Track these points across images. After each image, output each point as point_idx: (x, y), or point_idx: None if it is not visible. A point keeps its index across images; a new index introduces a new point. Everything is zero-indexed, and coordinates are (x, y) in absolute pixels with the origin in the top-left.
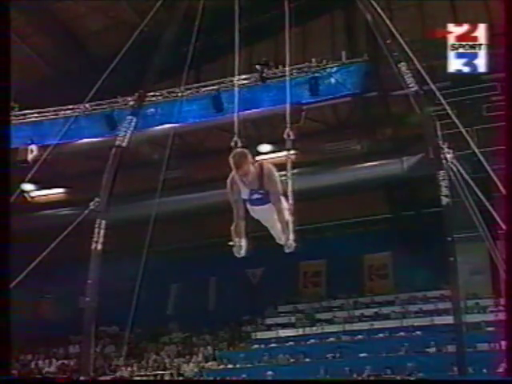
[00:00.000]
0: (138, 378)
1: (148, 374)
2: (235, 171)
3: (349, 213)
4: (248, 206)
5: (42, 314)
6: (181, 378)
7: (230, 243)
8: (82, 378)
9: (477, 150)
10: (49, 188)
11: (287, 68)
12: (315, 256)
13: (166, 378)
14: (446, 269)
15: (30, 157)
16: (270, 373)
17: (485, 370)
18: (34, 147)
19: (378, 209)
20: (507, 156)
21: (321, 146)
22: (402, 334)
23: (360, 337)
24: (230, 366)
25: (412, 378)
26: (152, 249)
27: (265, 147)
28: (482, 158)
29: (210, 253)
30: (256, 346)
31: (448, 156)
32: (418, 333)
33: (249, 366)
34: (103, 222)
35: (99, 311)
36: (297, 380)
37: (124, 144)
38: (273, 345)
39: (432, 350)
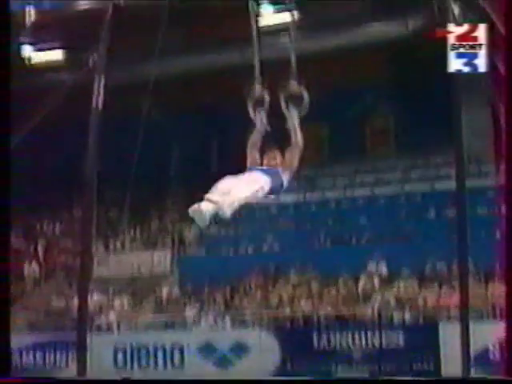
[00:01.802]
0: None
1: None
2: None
3: (350, 75)
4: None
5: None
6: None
7: None
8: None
9: None
10: (48, 50)
11: None
12: (315, 118)
13: (168, 240)
14: (449, 132)
15: (27, 20)
16: (270, 237)
17: (483, 234)
18: (31, 9)
19: (380, 71)
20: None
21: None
22: (402, 199)
23: (360, 202)
24: (230, 230)
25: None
26: (153, 111)
27: (267, 7)
28: None
29: (212, 114)
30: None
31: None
32: (418, 198)
33: (249, 230)
34: (102, 78)
35: (100, 174)
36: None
37: (121, 2)
38: (273, 210)
39: (431, 215)
